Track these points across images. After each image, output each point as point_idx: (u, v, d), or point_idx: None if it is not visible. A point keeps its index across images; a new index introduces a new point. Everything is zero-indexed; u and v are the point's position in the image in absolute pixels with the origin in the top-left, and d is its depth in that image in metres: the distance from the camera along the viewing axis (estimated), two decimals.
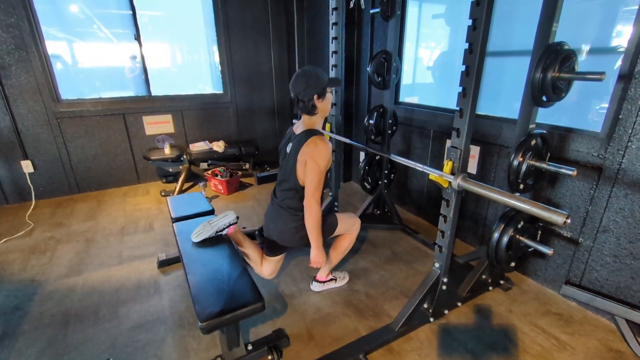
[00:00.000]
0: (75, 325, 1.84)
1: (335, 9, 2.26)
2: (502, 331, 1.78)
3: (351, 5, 2.62)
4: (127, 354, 1.65)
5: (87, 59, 3.56)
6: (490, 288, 2.06)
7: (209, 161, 3.89)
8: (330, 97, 1.69)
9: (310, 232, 1.68)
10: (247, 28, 4.07)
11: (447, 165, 1.53)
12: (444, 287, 1.78)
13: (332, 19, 2.28)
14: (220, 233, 1.92)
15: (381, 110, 2.66)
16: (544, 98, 1.54)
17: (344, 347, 1.64)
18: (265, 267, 1.98)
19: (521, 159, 1.64)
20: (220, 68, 4.09)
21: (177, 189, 3.61)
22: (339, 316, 1.88)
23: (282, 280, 2.19)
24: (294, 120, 2.18)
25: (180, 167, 3.74)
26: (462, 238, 2.65)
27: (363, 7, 2.46)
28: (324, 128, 2.48)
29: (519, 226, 1.71)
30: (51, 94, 3.34)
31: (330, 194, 2.71)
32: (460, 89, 1.45)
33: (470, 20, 1.38)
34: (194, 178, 3.92)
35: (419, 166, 1.67)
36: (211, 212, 2.22)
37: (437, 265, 1.76)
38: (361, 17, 3.25)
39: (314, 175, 1.59)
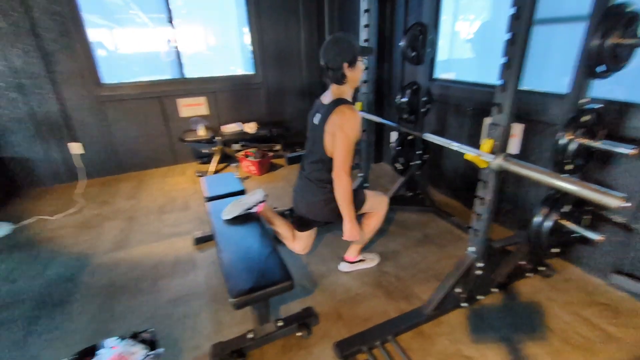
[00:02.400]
0: (120, 296, 1.98)
1: None
2: (541, 320, 1.69)
3: None
4: (166, 325, 1.76)
5: (124, 44, 3.69)
6: (529, 275, 1.96)
7: (241, 142, 3.96)
8: (361, 66, 1.63)
9: (341, 205, 1.65)
10: (277, 7, 3.99)
11: (486, 144, 1.43)
12: (479, 273, 1.71)
13: None
14: (250, 211, 1.96)
15: (415, 87, 2.53)
16: (602, 68, 1.37)
17: (372, 327, 1.64)
18: (297, 243, 2.00)
19: (570, 137, 1.50)
20: (251, 49, 4.07)
21: (212, 170, 3.73)
22: (368, 297, 1.88)
23: (311, 260, 2.22)
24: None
25: (214, 148, 3.83)
26: (499, 222, 2.52)
27: None
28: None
29: (565, 210, 1.58)
30: (93, 79, 3.51)
31: (360, 174, 2.66)
32: (503, 60, 1.33)
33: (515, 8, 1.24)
34: (227, 159, 4.01)
35: (455, 145, 1.58)
36: (242, 192, 2.27)
37: (471, 249, 1.69)
38: None
39: (342, 146, 1.55)
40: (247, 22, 3.95)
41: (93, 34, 3.44)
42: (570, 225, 1.58)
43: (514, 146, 2.22)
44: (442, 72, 2.98)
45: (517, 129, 2.18)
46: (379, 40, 3.23)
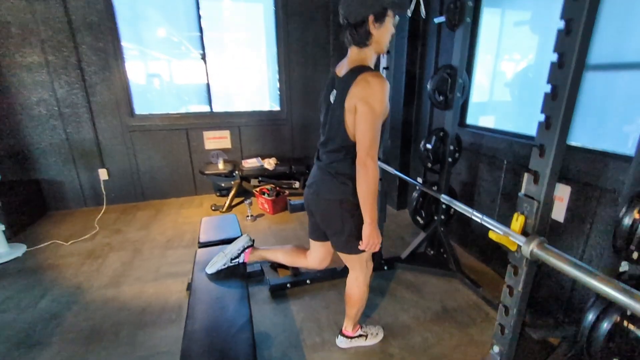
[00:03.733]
0: (96, 344, 1.83)
1: None
2: None
3: (408, 13, 2.29)
4: None
5: (158, 77, 3.83)
6: None
7: (260, 178, 3.85)
8: (390, 25, 1.27)
9: (364, 201, 1.29)
10: (307, 46, 3.99)
11: (517, 221, 1.12)
12: None
13: None
14: (237, 260, 1.75)
15: (441, 133, 2.25)
16: None
17: None
18: (311, 258, 1.71)
19: (638, 217, 1.14)
20: (278, 85, 4.07)
21: (227, 205, 3.63)
22: None
23: (305, 325, 1.93)
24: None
25: (232, 182, 3.76)
26: (537, 302, 2.06)
27: (423, 16, 2.12)
28: None
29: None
30: (127, 110, 3.66)
31: None
32: (541, 118, 1.04)
33: (563, 22, 0.98)
34: (245, 194, 3.91)
35: (477, 216, 1.27)
36: None
37: (495, 349, 1.32)
38: (427, 27, 2.89)
39: (368, 124, 1.20)
40: (277, 60, 3.97)
41: (129, 66, 3.61)
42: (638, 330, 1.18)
43: (558, 213, 1.84)
44: (478, 118, 2.67)
45: (564, 192, 1.81)
46: (407, 81, 3.03)
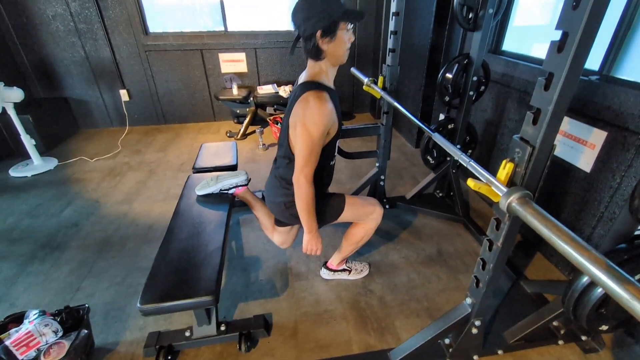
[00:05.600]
0: (106, 252, 2.02)
1: None
2: None
3: None
4: (129, 294, 1.73)
5: None
6: (560, 342, 1.43)
7: (275, 106, 3.71)
8: (345, 37, 1.20)
9: (300, 214, 1.35)
10: None
11: (504, 169, 0.93)
12: (475, 331, 1.28)
13: None
14: (225, 192, 1.75)
15: (465, 61, 1.92)
16: None
17: None
18: (275, 236, 1.76)
19: None
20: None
21: (241, 132, 3.60)
22: (336, 318, 1.58)
23: (294, 253, 1.97)
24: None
25: (247, 109, 3.67)
26: (547, 255, 1.91)
27: None
28: (376, 82, 1.94)
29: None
30: (141, 27, 3.52)
31: (377, 164, 2.23)
32: (558, 35, 0.78)
33: None
34: (260, 122, 3.83)
35: (463, 160, 1.09)
36: (233, 168, 2.06)
37: (468, 300, 1.25)
38: None
39: (303, 144, 1.20)
40: None
41: None
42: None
43: (587, 162, 1.58)
44: (519, 45, 2.22)
45: (598, 138, 1.52)
46: None
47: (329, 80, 1.28)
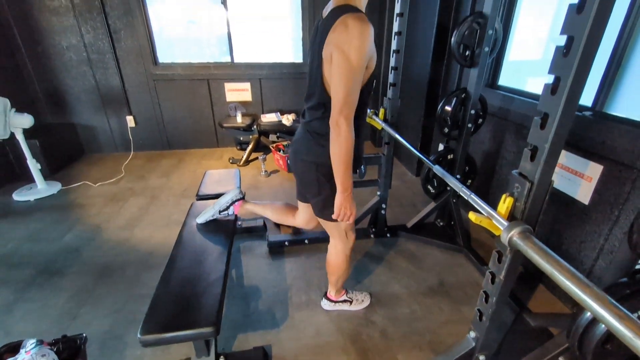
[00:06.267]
0: (105, 278, 2.00)
1: None
2: None
3: None
4: (127, 322, 1.70)
5: (179, 24, 3.75)
6: None
7: (278, 134, 3.80)
8: None
9: (336, 166, 1.17)
10: None
11: (504, 203, 0.96)
12: None
13: None
14: (226, 212, 1.77)
15: (463, 95, 2.00)
16: None
17: None
18: (299, 217, 1.66)
19: None
20: (302, 35, 3.82)
21: (244, 159, 3.66)
22: (336, 350, 1.55)
23: (295, 284, 1.95)
24: None
25: (250, 136, 3.75)
26: (549, 287, 1.90)
27: None
28: (377, 114, 2.01)
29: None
30: (151, 58, 3.67)
31: (378, 192, 2.26)
32: (550, 79, 0.84)
33: None
34: (263, 149, 3.90)
35: (464, 192, 1.12)
36: None
37: (472, 334, 1.24)
38: None
39: (341, 77, 1.04)
40: (301, 7, 3.69)
41: (152, 12, 3.55)
42: None
43: (584, 193, 1.61)
44: (515, 79, 2.32)
45: (594, 171, 1.56)
46: (437, 34, 2.68)
47: (362, 6, 1.12)
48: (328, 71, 1.10)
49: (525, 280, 1.97)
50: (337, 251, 1.51)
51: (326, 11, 1.14)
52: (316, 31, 1.18)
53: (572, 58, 0.75)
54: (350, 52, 1.01)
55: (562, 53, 0.77)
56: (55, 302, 1.83)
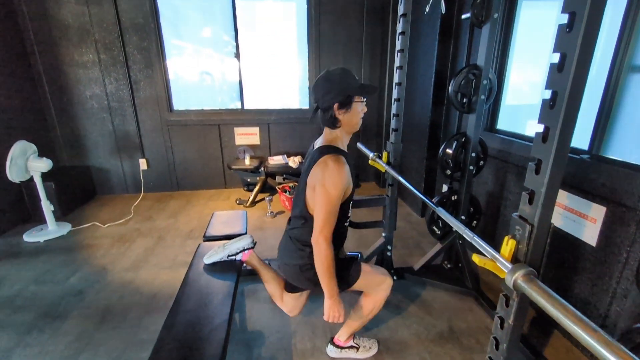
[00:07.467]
0: (107, 323, 1.97)
1: (403, 15, 1.85)
2: None
3: (443, 9, 2.13)
4: None
5: (194, 73, 4.03)
6: None
7: (284, 175, 3.89)
8: (359, 108, 1.35)
9: (320, 277, 1.34)
10: (338, 44, 3.95)
11: (507, 245, 0.97)
12: None
13: (399, 27, 1.88)
14: (233, 257, 1.77)
15: (463, 139, 2.08)
16: None
17: None
18: (285, 302, 1.72)
19: None
20: (308, 83, 4.06)
21: (250, 200, 3.72)
22: None
23: (299, 329, 1.90)
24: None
25: (258, 178, 3.84)
26: (565, 333, 1.81)
27: (443, 11, 1.95)
28: (380, 157, 2.08)
29: None
30: (166, 105, 3.90)
31: (383, 234, 2.26)
32: (540, 128, 0.89)
33: (566, 15, 0.82)
34: (270, 190, 3.98)
35: (467, 234, 1.14)
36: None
37: None
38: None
39: (322, 205, 1.27)
40: (308, 57, 3.97)
41: (169, 65, 3.84)
42: None
43: (591, 235, 1.60)
44: (512, 123, 2.41)
45: (598, 213, 1.57)
46: (436, 81, 2.85)
47: (343, 145, 1.40)
48: (310, 195, 1.35)
49: (539, 326, 1.89)
50: (377, 300, 1.54)
51: (316, 144, 1.43)
52: (307, 156, 1.46)
53: (558, 110, 0.81)
54: (329, 187, 1.25)
55: (549, 105, 0.83)
56: (54, 348, 1.79)
